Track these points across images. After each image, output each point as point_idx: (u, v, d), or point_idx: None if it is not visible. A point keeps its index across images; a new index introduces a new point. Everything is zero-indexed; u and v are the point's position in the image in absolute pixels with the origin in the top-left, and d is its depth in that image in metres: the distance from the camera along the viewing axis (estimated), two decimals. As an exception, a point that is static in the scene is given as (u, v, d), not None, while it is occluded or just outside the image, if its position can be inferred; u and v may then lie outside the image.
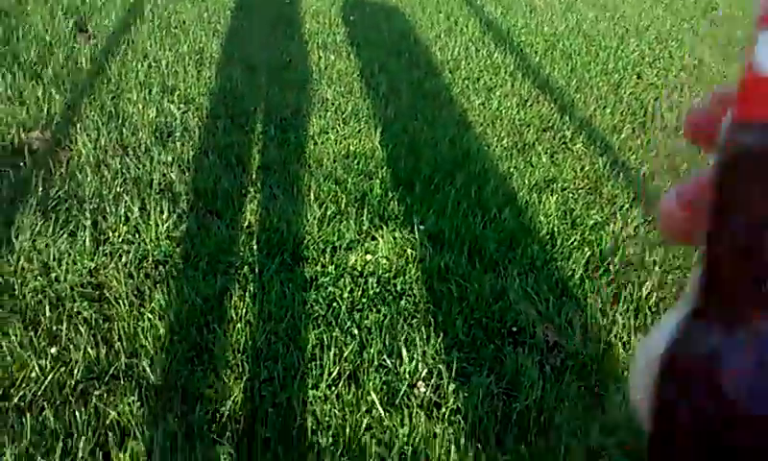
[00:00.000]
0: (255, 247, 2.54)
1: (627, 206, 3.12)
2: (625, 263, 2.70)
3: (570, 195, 3.16)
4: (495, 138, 3.64)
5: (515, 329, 2.28)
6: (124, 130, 3.20)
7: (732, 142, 0.26)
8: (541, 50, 5.21)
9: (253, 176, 3.01)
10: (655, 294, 2.52)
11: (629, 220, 2.99)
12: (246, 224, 2.67)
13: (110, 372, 1.90)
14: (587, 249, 2.75)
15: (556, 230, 2.87)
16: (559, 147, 3.66)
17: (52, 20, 4.35)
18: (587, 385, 2.09)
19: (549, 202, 3.05)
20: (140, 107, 3.43)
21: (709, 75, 5.11)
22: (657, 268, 2.68)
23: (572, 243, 2.78)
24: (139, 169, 2.90)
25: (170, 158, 3.01)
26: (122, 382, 1.87)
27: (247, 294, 2.28)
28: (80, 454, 1.65)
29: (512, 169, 3.34)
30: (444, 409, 1.92)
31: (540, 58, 5.05)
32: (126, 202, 2.64)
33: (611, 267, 2.67)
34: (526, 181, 3.23)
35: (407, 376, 2.02)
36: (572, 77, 4.73)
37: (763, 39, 0.26)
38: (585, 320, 2.36)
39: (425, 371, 2.05)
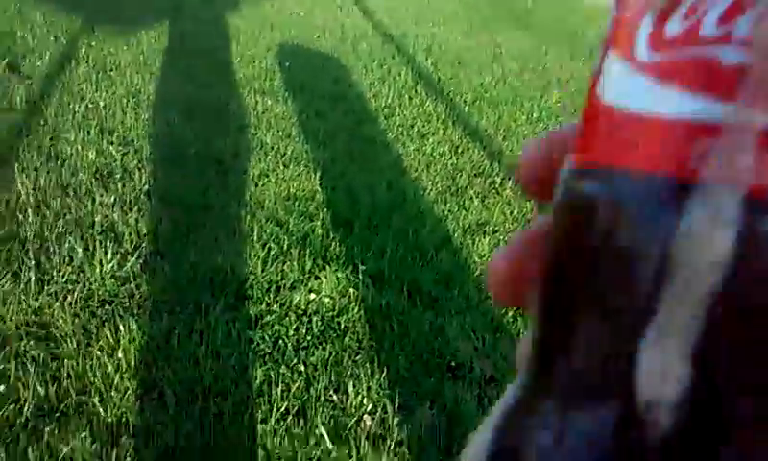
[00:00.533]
0: (199, 287, 2.59)
1: (554, 247, 3.31)
2: (553, 301, 2.86)
3: (501, 237, 3.34)
4: (430, 182, 3.80)
5: (453, 365, 2.39)
6: (63, 170, 3.20)
7: (571, 191, 0.22)
8: (470, 99, 5.46)
9: (195, 217, 3.05)
10: (581, 329, 2.69)
11: (556, 261, 3.17)
12: (189, 265, 2.71)
13: (61, 409, 1.91)
14: (518, 288, 2.90)
15: (489, 270, 3.02)
16: (490, 191, 3.85)
17: (-16, 59, 4.30)
18: (521, 415, 2.21)
19: (482, 244, 3.21)
20: (79, 148, 3.43)
21: (625, 126, 5.47)
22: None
23: (504, 282, 2.94)
24: (81, 210, 2.91)
25: (111, 200, 3.03)
26: (73, 419, 1.89)
27: (193, 333, 2.32)
28: (32, 492, 1.66)
29: (446, 212, 3.50)
30: (389, 441, 2.01)
31: (469, 107, 5.29)
32: (69, 242, 2.65)
33: (540, 305, 2.83)
34: (460, 224, 3.39)
35: (353, 410, 2.11)
36: (500, 125, 4.97)
37: (608, 64, 0.23)
38: (518, 354, 2.50)
39: (370, 405, 2.14)
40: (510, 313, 2.73)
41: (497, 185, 3.93)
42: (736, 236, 0.18)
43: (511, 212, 3.61)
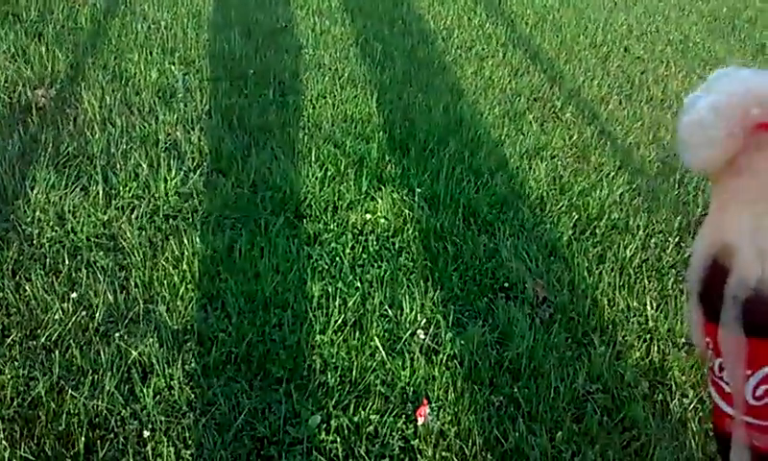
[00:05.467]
0: (260, 204, 2.65)
1: (613, 173, 3.26)
2: (611, 227, 2.84)
3: (559, 162, 3.30)
4: (488, 107, 3.76)
5: (506, 285, 2.42)
6: (127, 89, 3.28)
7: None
8: (532, 21, 5.31)
9: (255, 137, 3.11)
10: (638, 255, 2.67)
11: (615, 187, 3.13)
12: (250, 183, 2.77)
13: (129, 316, 2.02)
14: (574, 213, 2.89)
15: (545, 195, 3.00)
16: (548, 116, 3.78)
17: (50, -21, 4.38)
18: (573, 337, 2.24)
19: (539, 168, 3.18)
20: (142, 67, 3.50)
21: (695, 50, 5.25)
22: (641, 232, 2.83)
23: (561, 208, 2.92)
24: (145, 128, 2.99)
25: (174, 118, 3.10)
26: (141, 325, 1.99)
27: (254, 247, 2.40)
28: (107, 388, 1.78)
29: (503, 137, 3.47)
30: (441, 355, 2.06)
31: (531, 29, 5.15)
32: (134, 159, 2.74)
33: (597, 230, 2.81)
34: (517, 149, 3.36)
35: (407, 324, 2.16)
36: (562, 49, 4.84)
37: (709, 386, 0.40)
38: (572, 278, 2.50)
39: (424, 320, 2.19)
40: (564, 237, 2.72)
41: (557, 110, 3.86)
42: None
43: (570, 137, 3.55)
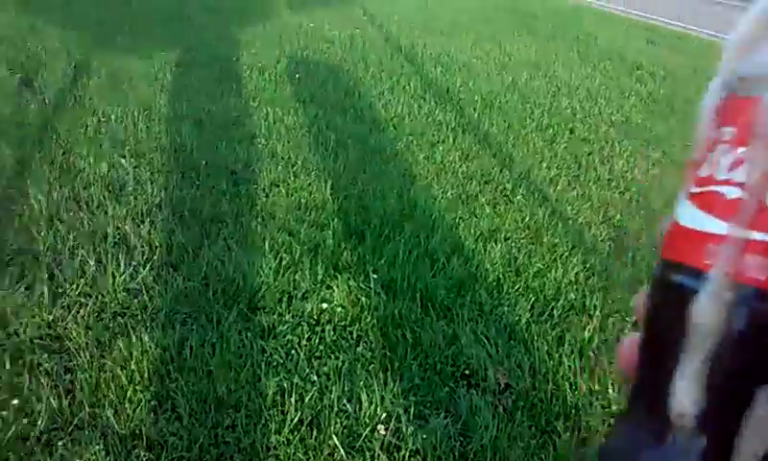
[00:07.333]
0: (212, 298, 2.59)
1: (567, 253, 3.29)
2: (568, 308, 2.85)
3: (513, 244, 3.32)
4: (440, 191, 3.79)
5: (467, 372, 2.38)
6: (76, 184, 3.22)
7: (660, 278, 0.34)
8: (480, 107, 5.45)
9: (207, 228, 3.06)
10: (597, 337, 2.67)
11: (569, 267, 3.15)
12: (201, 275, 2.71)
13: (74, 422, 1.91)
14: (531, 295, 2.89)
15: (501, 277, 3.01)
16: (500, 198, 3.83)
17: (-3, 75, 4.35)
18: (537, 424, 2.20)
19: (494, 250, 3.20)
20: (91, 161, 3.45)
21: (637, 131, 5.44)
22: (597, 312, 2.83)
23: (517, 289, 2.92)
24: (93, 223, 2.92)
25: (124, 212, 3.04)
26: (86, 432, 1.89)
27: (206, 344, 2.32)
28: (47, 505, 1.66)
29: (457, 220, 3.49)
30: (403, 451, 2.00)
31: (479, 114, 5.28)
32: (81, 255, 2.66)
33: (554, 312, 2.81)
34: (471, 231, 3.38)
35: (367, 419, 2.09)
36: (509, 133, 4.96)
37: (682, 201, 0.34)
38: (533, 362, 2.48)
39: (384, 414, 2.12)
40: (523, 320, 2.71)
41: (508, 192, 3.92)
42: (726, 314, 0.30)
43: (523, 219, 3.59)
